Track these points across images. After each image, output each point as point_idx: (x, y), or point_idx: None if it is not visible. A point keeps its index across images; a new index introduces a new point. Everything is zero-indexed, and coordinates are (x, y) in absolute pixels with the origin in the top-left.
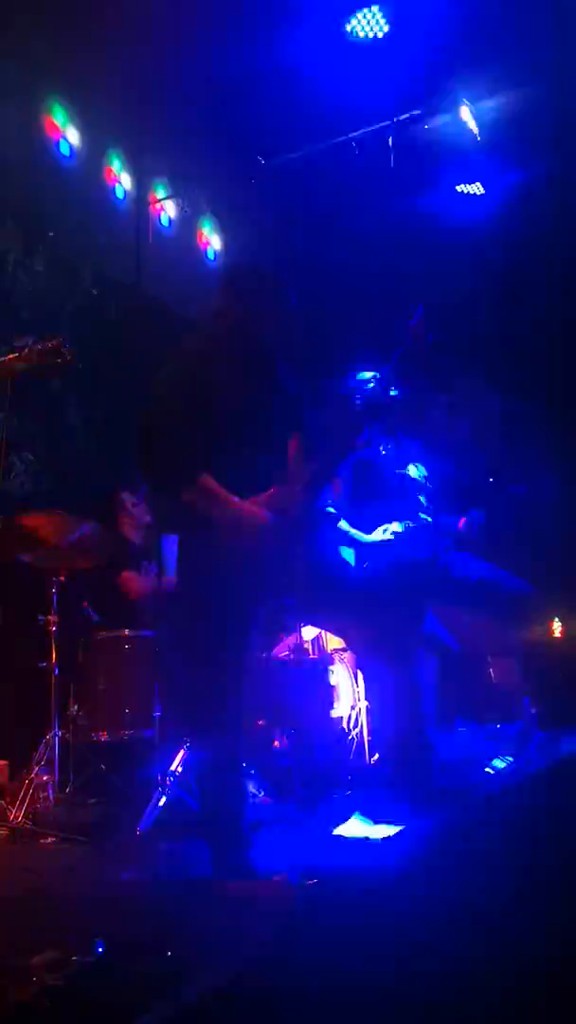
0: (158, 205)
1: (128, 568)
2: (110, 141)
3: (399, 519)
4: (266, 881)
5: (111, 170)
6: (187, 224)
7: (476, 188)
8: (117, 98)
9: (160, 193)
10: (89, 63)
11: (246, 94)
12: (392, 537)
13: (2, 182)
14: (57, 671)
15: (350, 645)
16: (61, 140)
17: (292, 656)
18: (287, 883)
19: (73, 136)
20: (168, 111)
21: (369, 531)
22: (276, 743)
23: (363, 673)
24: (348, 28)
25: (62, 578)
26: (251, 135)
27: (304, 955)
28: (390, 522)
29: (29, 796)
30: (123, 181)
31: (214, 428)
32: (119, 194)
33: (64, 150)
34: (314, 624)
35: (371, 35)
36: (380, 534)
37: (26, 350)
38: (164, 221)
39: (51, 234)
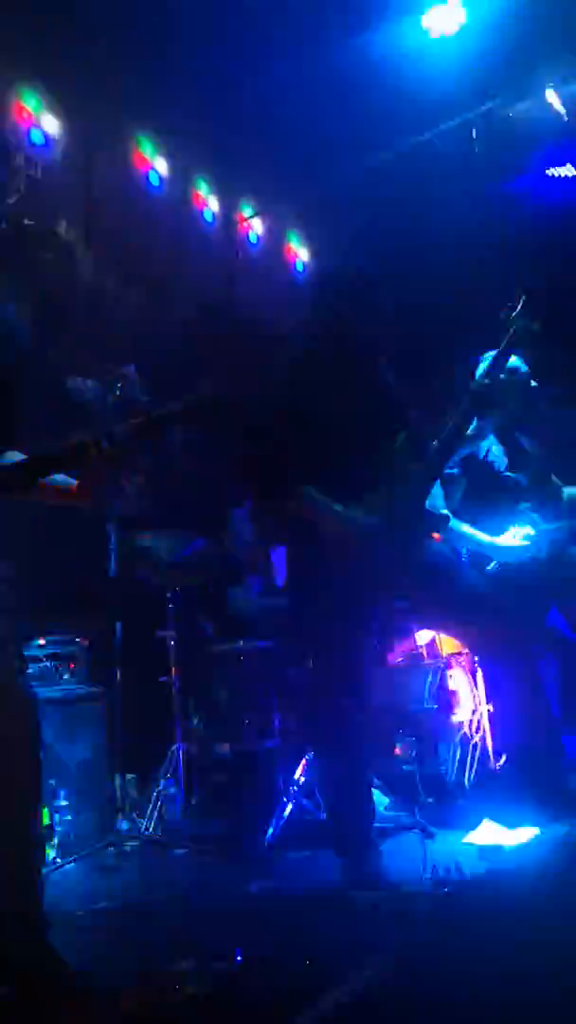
0: (245, 224)
1: (232, 584)
2: (195, 165)
3: (516, 520)
4: (398, 891)
5: (198, 194)
6: (275, 239)
7: (568, 170)
8: (198, 122)
9: (247, 211)
10: (169, 90)
11: (323, 101)
12: (528, 542)
13: (98, 219)
14: (178, 684)
15: (470, 647)
16: (150, 171)
17: (407, 661)
18: (419, 892)
19: (161, 166)
20: (247, 128)
21: (490, 532)
22: (397, 750)
23: (484, 675)
24: (425, 24)
25: (177, 593)
26: (331, 142)
27: (439, 965)
28: (510, 523)
29: (158, 808)
30: (210, 204)
31: (316, 436)
32: (208, 217)
33: (154, 180)
34: (431, 627)
35: (449, 30)
36: (512, 538)
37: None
38: (252, 239)
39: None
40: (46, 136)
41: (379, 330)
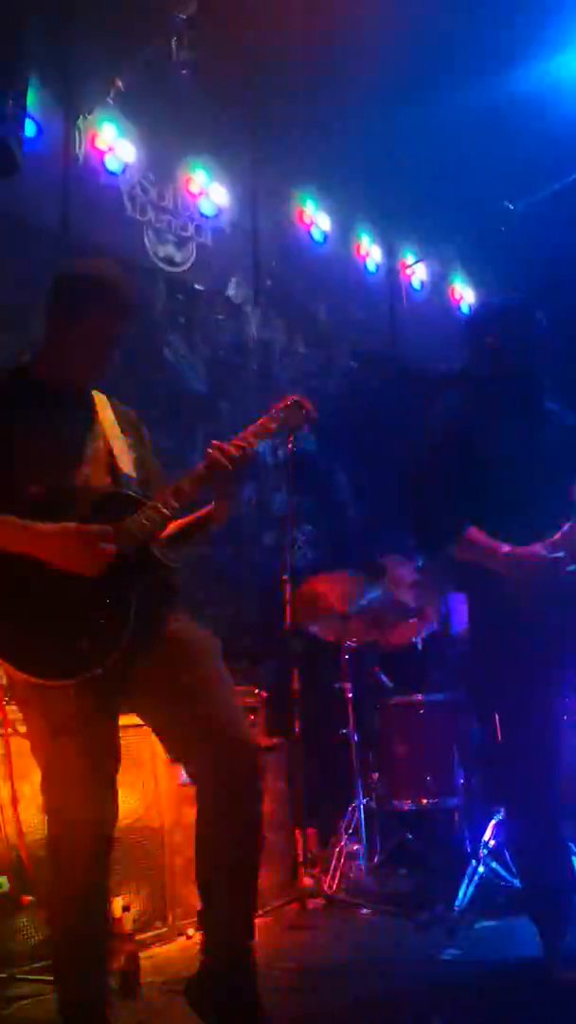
0: (409, 271)
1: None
2: (358, 218)
3: None
4: None
5: (361, 246)
6: (439, 283)
7: None
8: (359, 174)
9: (410, 259)
10: (329, 146)
11: (481, 140)
12: None
13: (265, 278)
14: (357, 738)
15: None
16: (313, 227)
17: None
18: None
19: (324, 221)
20: (407, 174)
21: None
22: None
23: None
24: None
25: (353, 645)
26: (495, 181)
27: None
28: None
29: (341, 865)
30: (373, 254)
31: (484, 477)
32: (371, 268)
33: (318, 237)
34: None
35: None
36: None
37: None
38: (416, 285)
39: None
40: (215, 206)
41: (542, 358)
